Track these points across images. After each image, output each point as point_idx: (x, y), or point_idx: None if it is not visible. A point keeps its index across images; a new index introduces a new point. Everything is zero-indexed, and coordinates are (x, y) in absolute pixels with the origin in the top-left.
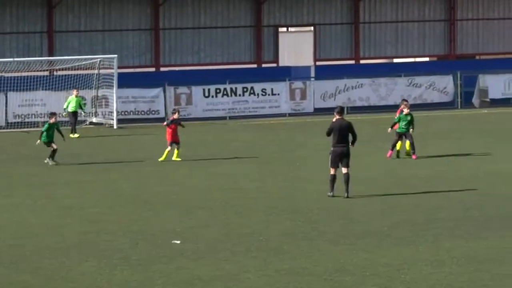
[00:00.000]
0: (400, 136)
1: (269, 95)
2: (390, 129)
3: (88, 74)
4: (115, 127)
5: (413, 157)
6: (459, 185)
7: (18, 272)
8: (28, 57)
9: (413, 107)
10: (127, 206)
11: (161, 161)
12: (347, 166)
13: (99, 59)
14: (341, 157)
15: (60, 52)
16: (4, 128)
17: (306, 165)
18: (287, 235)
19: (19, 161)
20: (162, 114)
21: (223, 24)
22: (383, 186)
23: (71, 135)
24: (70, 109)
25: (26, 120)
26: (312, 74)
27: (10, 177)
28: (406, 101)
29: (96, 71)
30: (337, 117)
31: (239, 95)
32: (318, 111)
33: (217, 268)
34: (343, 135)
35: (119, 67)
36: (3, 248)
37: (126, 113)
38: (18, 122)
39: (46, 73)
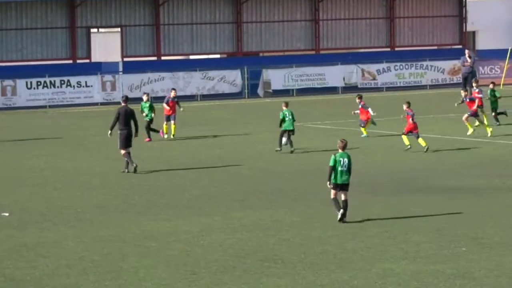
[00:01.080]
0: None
1: (83, 86)
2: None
3: None
4: None
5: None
6: (247, 163)
7: None
8: None
9: (207, 97)
10: None
11: None
12: (129, 146)
13: None
14: (127, 138)
15: None
16: None
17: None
18: (100, 207)
19: None
20: None
21: (42, 26)
22: (184, 164)
23: None
24: None
25: None
26: (120, 68)
27: None
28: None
29: None
30: (123, 104)
31: (58, 87)
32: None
33: (41, 236)
34: (127, 120)
35: None
36: None
37: None
38: None
39: None
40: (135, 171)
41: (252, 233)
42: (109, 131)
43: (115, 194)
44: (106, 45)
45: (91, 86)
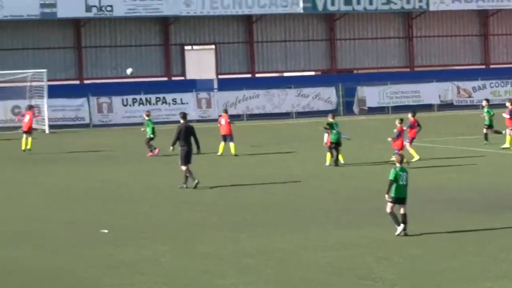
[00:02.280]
0: None
1: (179, 104)
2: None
3: (21, 86)
4: (47, 131)
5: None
6: (342, 180)
7: None
8: None
9: (302, 114)
10: (57, 198)
11: None
12: (189, 162)
13: (30, 73)
14: (187, 155)
15: None
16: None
17: (214, 165)
18: (197, 224)
19: None
20: (87, 121)
21: (137, 43)
22: (276, 180)
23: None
24: None
25: None
26: (215, 86)
27: None
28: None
29: (28, 84)
30: (182, 121)
31: (153, 104)
32: None
33: (138, 254)
34: (187, 136)
35: (48, 80)
36: None
37: (56, 119)
38: None
39: None
40: (195, 187)
41: (349, 251)
42: (171, 147)
43: (211, 211)
44: (200, 62)
45: (187, 103)
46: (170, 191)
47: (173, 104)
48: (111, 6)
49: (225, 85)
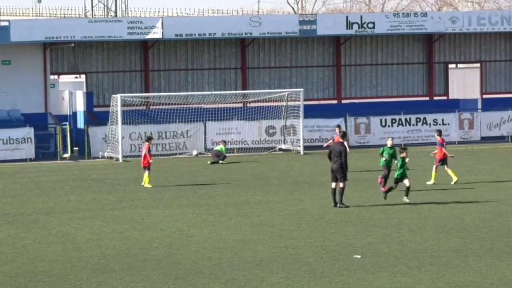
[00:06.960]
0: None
1: (439, 124)
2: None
3: (277, 106)
4: (301, 153)
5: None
6: None
7: (216, 282)
8: (224, 90)
9: None
10: (312, 224)
11: None
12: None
13: (287, 93)
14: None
15: (253, 86)
16: (203, 154)
17: (473, 189)
18: (456, 251)
19: (216, 181)
20: None
21: (398, 61)
22: None
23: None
24: None
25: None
26: (479, 106)
27: (209, 197)
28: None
29: (284, 103)
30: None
31: (413, 124)
32: (485, 139)
33: (394, 281)
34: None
35: (304, 100)
36: (202, 260)
37: (311, 140)
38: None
39: (240, 105)
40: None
41: None
42: None
43: (472, 237)
44: (464, 81)
45: (448, 124)
46: (431, 217)
47: (434, 125)
48: (373, 23)
49: (489, 105)
